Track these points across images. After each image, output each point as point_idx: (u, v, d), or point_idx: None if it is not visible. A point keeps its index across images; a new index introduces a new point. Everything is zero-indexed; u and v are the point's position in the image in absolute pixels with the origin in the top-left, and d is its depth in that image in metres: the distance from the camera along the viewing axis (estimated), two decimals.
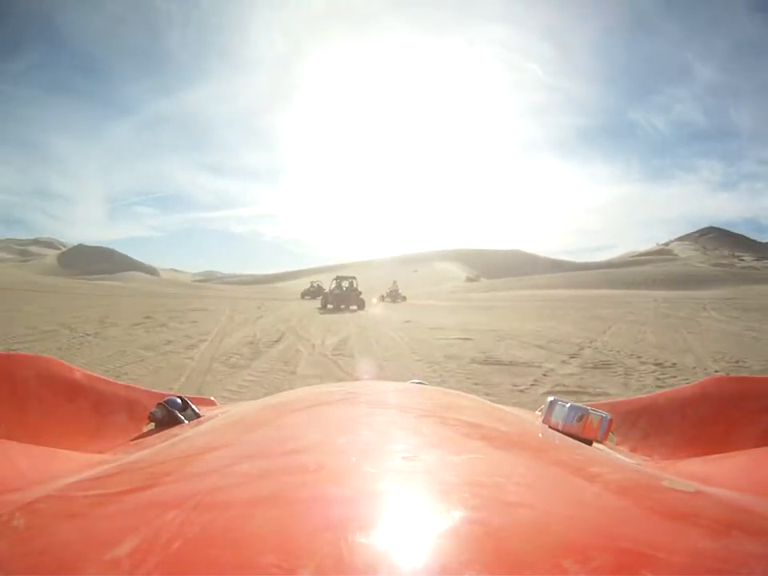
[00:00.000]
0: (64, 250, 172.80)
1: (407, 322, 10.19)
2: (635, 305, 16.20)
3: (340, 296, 16.03)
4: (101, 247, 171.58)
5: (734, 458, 0.43)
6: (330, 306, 15.39)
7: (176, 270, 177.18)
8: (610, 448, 0.63)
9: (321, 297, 17.42)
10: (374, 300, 18.07)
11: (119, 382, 0.82)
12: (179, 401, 0.67)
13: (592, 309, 14.37)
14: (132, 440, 0.66)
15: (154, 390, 0.84)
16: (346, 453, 0.34)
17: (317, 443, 0.37)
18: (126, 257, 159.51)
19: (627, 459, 0.57)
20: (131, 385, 0.84)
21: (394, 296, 22.44)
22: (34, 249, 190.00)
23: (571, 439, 0.51)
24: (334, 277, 18.04)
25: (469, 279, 61.62)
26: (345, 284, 17.13)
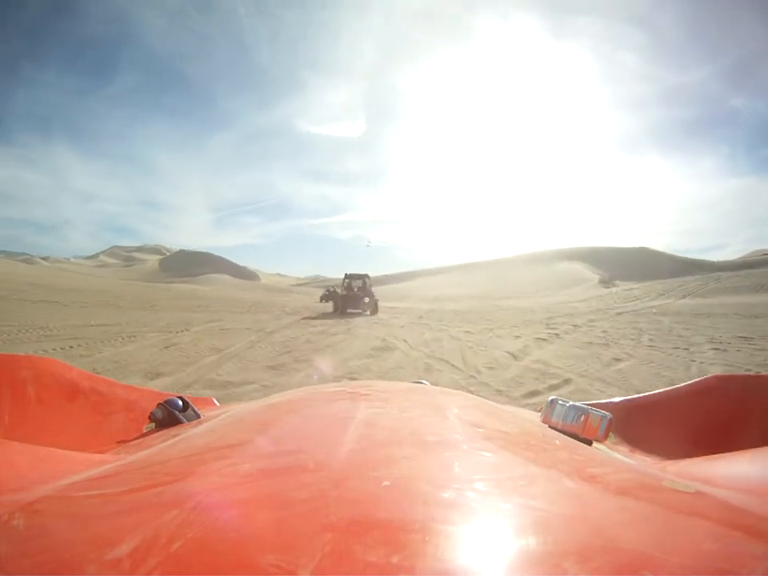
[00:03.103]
0: (167, 255, 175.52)
1: None
2: None
3: (347, 298, 13.60)
4: (201, 252, 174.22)
5: (734, 458, 0.43)
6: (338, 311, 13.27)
7: (280, 275, 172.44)
8: (610, 448, 0.63)
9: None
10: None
11: (119, 382, 0.81)
12: (179, 401, 0.68)
13: None
14: (132, 440, 0.66)
15: (154, 390, 0.84)
16: (346, 452, 0.34)
17: (317, 443, 0.37)
18: (225, 261, 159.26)
19: (627, 459, 0.56)
20: (131, 385, 0.84)
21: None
22: (139, 255, 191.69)
23: (571, 439, 0.50)
24: (344, 276, 15.01)
25: (602, 282, 51.28)
26: (357, 284, 14.41)
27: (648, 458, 0.63)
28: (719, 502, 0.30)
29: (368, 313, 13.13)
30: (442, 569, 0.20)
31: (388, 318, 12.47)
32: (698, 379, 0.74)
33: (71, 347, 5.46)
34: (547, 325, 9.98)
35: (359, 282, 14.58)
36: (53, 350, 5.22)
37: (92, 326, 7.54)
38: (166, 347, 5.85)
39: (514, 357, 5.53)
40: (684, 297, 21.55)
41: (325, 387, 0.67)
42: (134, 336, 6.60)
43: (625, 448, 0.68)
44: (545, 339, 7.30)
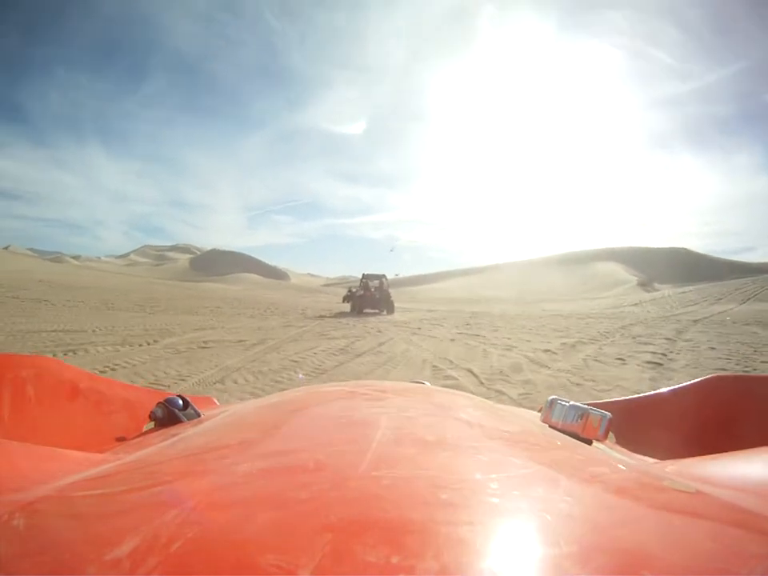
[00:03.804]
0: (198, 254, 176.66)
1: None
2: None
3: (364, 298, 13.73)
4: (232, 252, 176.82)
5: (734, 458, 0.43)
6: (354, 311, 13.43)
7: (311, 275, 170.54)
8: (610, 447, 0.62)
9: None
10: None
11: (119, 382, 0.82)
12: (180, 400, 0.67)
13: None
14: (132, 440, 0.66)
15: (154, 390, 0.86)
16: (346, 452, 0.33)
17: (317, 443, 0.37)
18: (255, 260, 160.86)
19: (627, 459, 0.56)
20: (131, 385, 0.85)
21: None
22: (170, 254, 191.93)
23: (571, 439, 0.50)
24: (361, 276, 15.16)
25: (641, 284, 47.87)
26: (374, 284, 14.61)
27: (648, 458, 0.62)
28: (719, 501, 0.30)
29: (384, 312, 13.30)
30: (442, 569, 0.20)
31: (428, 324, 10.11)
32: (699, 379, 0.75)
33: None
34: (634, 338, 7.66)
35: (376, 282, 14.76)
36: None
37: (45, 332, 6.02)
38: None
39: None
40: (745, 301, 18.24)
41: (324, 387, 0.68)
42: (77, 351, 4.96)
43: (625, 448, 0.68)
44: (659, 364, 5.29)
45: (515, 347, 6.56)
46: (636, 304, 20.41)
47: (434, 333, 8.39)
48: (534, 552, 0.22)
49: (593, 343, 7.03)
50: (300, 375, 4.11)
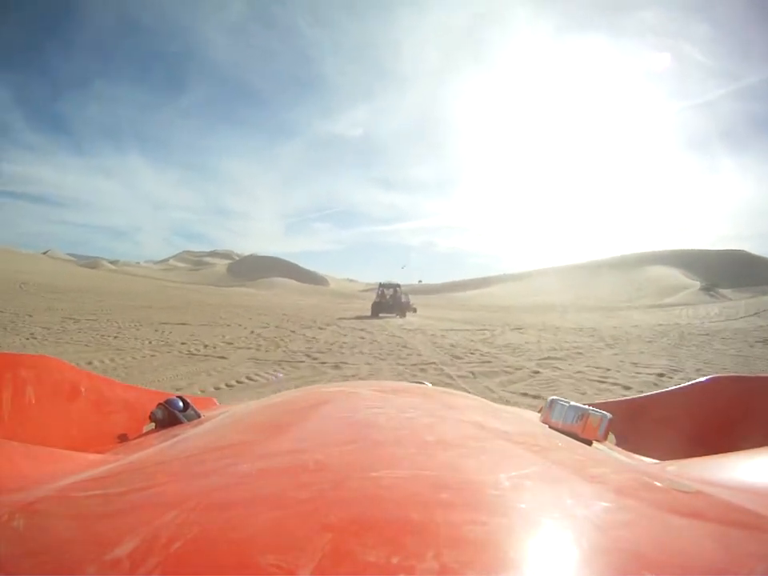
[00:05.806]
0: (237, 260, 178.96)
1: None
2: None
3: (380, 305, 16.26)
4: (269, 257, 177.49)
5: (734, 458, 0.43)
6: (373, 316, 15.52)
7: (350, 280, 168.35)
8: (610, 448, 0.62)
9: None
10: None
11: (119, 382, 0.83)
12: (180, 401, 0.67)
13: None
14: (132, 440, 0.66)
15: (154, 390, 0.85)
16: (346, 452, 0.33)
17: (317, 443, 0.37)
18: (293, 265, 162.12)
19: (627, 459, 0.56)
20: (131, 385, 0.85)
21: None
22: (209, 259, 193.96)
23: (571, 439, 0.50)
24: (378, 285, 17.98)
25: (704, 289, 44.10)
26: (389, 292, 17.11)
27: (648, 458, 0.62)
28: (719, 501, 0.30)
29: (396, 316, 15.00)
30: (441, 569, 0.20)
31: (570, 380, 4.61)
32: (699, 380, 0.75)
33: None
34: None
35: (390, 291, 16.98)
36: None
37: None
38: None
39: None
40: None
41: (325, 387, 0.68)
42: None
43: (625, 448, 0.67)
44: None
45: None
46: (756, 314, 16.19)
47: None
48: (535, 552, 0.22)
49: None
50: (279, 374, 4.08)
